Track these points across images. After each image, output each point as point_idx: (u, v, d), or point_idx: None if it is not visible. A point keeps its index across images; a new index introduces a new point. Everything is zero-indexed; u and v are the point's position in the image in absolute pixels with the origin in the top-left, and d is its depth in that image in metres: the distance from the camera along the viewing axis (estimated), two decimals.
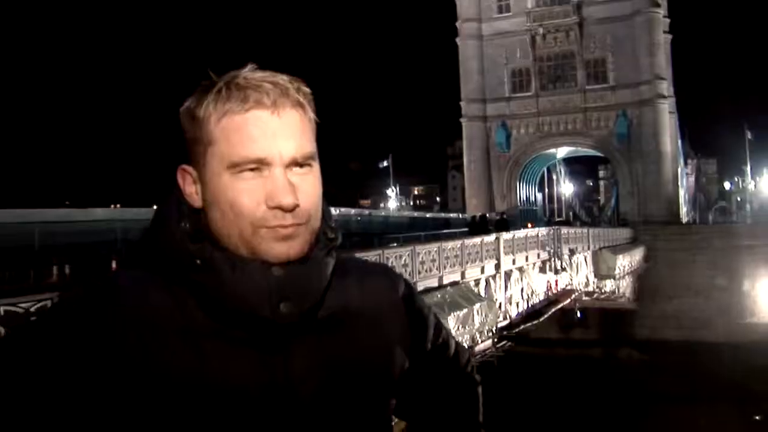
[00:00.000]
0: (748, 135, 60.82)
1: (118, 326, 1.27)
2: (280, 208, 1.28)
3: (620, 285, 40.71)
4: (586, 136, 55.46)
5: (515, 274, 26.34)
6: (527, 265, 27.66)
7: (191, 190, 1.35)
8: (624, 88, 53.75)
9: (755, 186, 63.68)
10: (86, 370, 1.25)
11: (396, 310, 1.51)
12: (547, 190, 67.10)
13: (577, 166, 76.34)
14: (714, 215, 66.76)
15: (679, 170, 58.00)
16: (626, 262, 39.95)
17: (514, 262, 25.81)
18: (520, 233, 28.06)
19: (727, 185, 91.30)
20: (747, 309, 41.98)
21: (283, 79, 1.32)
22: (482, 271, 22.94)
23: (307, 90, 1.35)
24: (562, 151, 60.89)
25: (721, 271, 42.75)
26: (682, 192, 59.60)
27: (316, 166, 1.35)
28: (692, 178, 75.80)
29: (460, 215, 51.85)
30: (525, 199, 60.31)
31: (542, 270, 29.69)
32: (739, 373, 35.19)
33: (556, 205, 67.30)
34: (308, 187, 1.32)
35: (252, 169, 1.28)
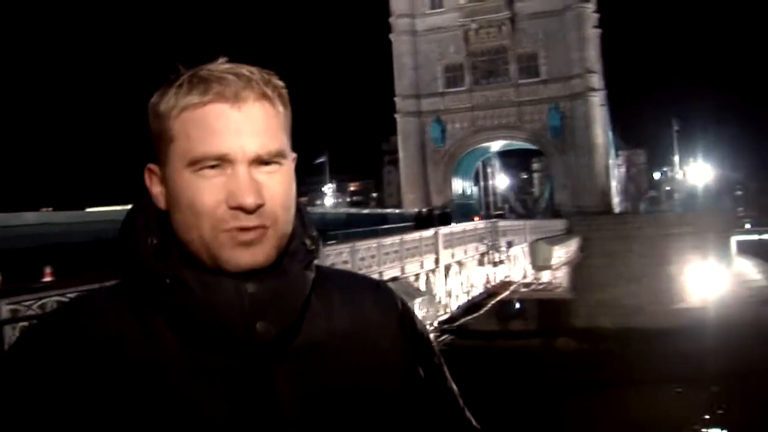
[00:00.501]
0: (675, 126, 62.39)
1: (81, 366, 1.17)
2: (241, 208, 1.17)
3: (557, 275, 41.30)
4: (520, 129, 56.14)
5: (454, 268, 26.49)
6: (466, 258, 27.83)
7: (157, 191, 1.26)
8: (556, 81, 54.58)
9: (683, 175, 65.37)
10: (50, 419, 1.14)
11: (390, 331, 1.38)
12: (482, 183, 67.66)
13: (511, 159, 77.25)
14: (645, 205, 68.27)
15: (611, 161, 59.09)
16: (562, 252, 40.51)
17: (452, 256, 25.93)
18: (458, 227, 28.26)
19: (656, 175, 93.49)
20: (677, 295, 43.08)
21: (249, 70, 1.23)
22: (422, 266, 22.98)
23: (279, 83, 1.26)
24: (496, 145, 61.50)
25: (653, 259, 43.75)
26: (613, 183, 60.72)
27: (287, 165, 1.25)
28: (623, 169, 77.30)
29: (397, 210, 52.01)
30: (461, 192, 60.77)
31: (481, 263, 29.91)
32: (670, 357, 36.20)
33: (491, 198, 67.95)
34: (275, 186, 1.21)
35: (213, 167, 1.18)
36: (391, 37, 58.27)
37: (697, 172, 62.75)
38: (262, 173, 1.20)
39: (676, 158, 65.38)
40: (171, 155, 1.22)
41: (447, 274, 25.54)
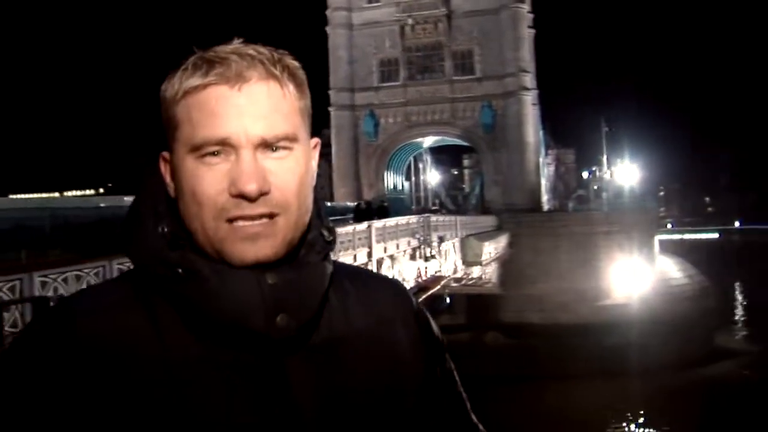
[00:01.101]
0: (605, 127, 63.67)
1: (88, 363, 1.09)
2: (243, 195, 1.11)
3: (486, 271, 41.74)
4: (453, 126, 56.39)
5: (387, 262, 26.55)
6: (398, 252, 27.94)
7: (169, 180, 1.20)
8: (490, 79, 54.85)
9: (611, 175, 66.71)
10: (56, 420, 1.07)
11: (406, 329, 1.33)
12: (413, 178, 67.94)
13: (442, 155, 77.65)
14: (573, 203, 69.48)
15: (541, 160, 59.92)
16: (492, 248, 40.96)
17: (385, 250, 26.00)
18: (391, 221, 28.34)
19: (585, 174, 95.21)
20: (603, 291, 43.94)
21: (256, 49, 1.17)
22: (354, 260, 22.91)
23: (292, 62, 1.20)
24: (428, 141, 61.66)
25: (580, 256, 44.55)
26: (543, 181, 61.57)
27: (298, 150, 1.18)
28: (552, 168, 78.63)
29: (329, 203, 51.94)
30: (392, 187, 60.87)
31: (413, 257, 30.04)
32: (595, 351, 37.13)
33: (422, 194, 68.21)
34: (284, 173, 1.15)
35: (216, 153, 1.13)
36: (328, 29, 57.85)
37: (624, 172, 64.14)
38: (270, 159, 1.15)
39: (605, 158, 66.68)
40: (176, 142, 1.17)
41: (379, 269, 25.57)
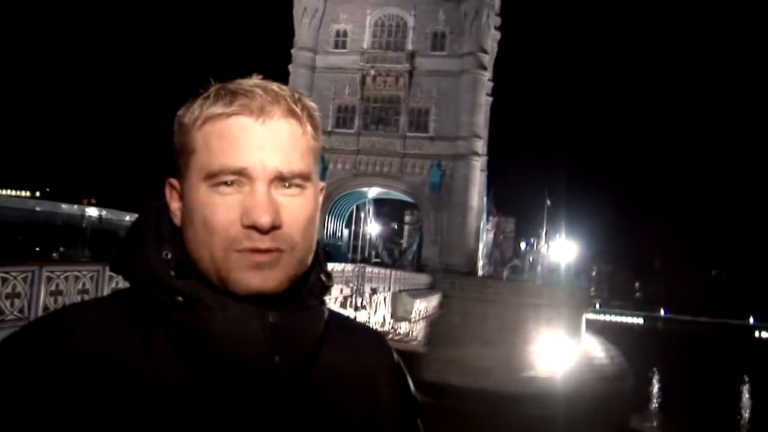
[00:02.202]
0: (548, 202, 64.75)
1: (66, 382, 1.07)
2: (255, 227, 1.11)
3: (414, 328, 41.64)
4: (401, 180, 56.76)
5: None
6: (329, 299, 27.73)
7: (175, 207, 1.21)
8: (442, 140, 55.51)
9: (547, 249, 67.62)
10: None
11: (386, 380, 1.35)
12: (353, 227, 67.93)
13: (384, 208, 77.93)
14: (508, 272, 70.11)
15: (482, 225, 60.50)
16: (423, 306, 40.98)
17: None
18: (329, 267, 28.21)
19: (522, 245, 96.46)
20: (527, 362, 44.20)
21: (279, 86, 1.20)
22: None
23: (310, 104, 1.23)
24: (373, 192, 61.89)
25: (509, 324, 44.83)
26: (481, 246, 62.05)
27: (310, 190, 1.20)
28: (492, 234, 79.28)
29: None
30: (332, 233, 60.85)
31: (343, 305, 29.86)
32: (512, 420, 37.17)
33: (360, 243, 68.21)
34: (295, 209, 1.16)
35: (231, 183, 1.13)
36: (290, 68, 58.02)
37: (560, 248, 64.97)
38: (282, 195, 1.16)
39: (544, 232, 67.58)
40: (190, 168, 1.18)
41: None
